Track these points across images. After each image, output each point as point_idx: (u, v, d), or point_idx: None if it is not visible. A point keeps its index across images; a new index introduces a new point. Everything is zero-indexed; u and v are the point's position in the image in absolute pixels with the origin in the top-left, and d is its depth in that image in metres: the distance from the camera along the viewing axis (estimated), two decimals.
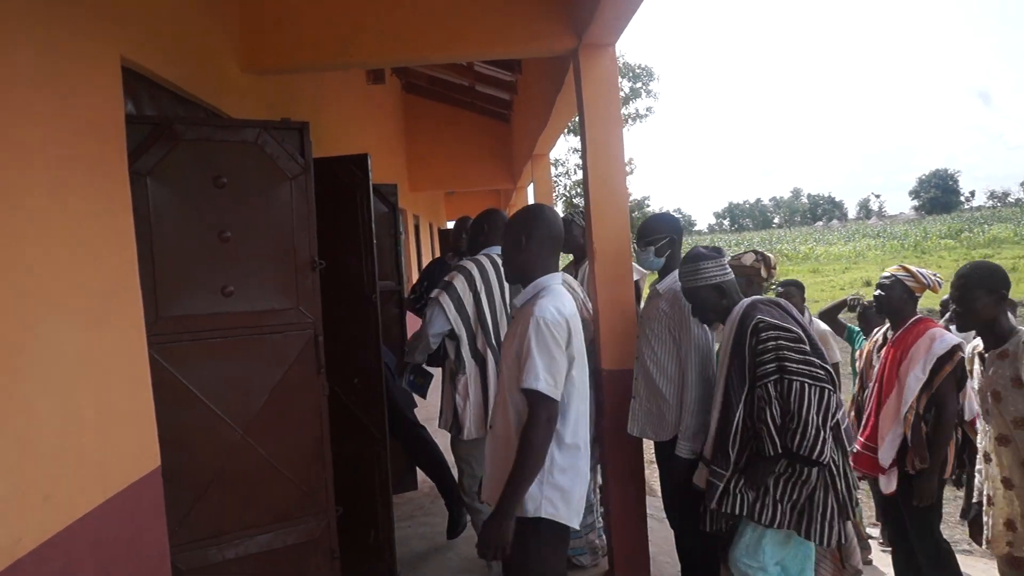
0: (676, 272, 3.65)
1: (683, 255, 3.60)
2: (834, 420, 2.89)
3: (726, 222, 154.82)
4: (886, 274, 3.76)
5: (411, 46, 4.31)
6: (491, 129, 12.50)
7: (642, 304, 3.98)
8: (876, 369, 3.82)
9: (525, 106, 9.15)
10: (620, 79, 33.18)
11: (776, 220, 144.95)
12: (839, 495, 2.95)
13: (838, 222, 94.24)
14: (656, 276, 3.77)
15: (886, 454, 3.63)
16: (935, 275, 3.71)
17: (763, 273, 3.77)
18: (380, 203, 6.00)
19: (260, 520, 3.14)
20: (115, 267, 2.66)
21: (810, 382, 2.85)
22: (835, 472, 2.94)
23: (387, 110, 10.77)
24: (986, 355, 3.01)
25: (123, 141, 2.74)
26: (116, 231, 2.68)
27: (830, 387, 2.88)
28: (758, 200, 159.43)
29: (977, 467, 3.23)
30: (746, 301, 3.14)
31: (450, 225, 10.83)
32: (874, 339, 4.03)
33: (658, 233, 3.69)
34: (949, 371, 3.43)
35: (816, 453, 2.82)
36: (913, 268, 3.70)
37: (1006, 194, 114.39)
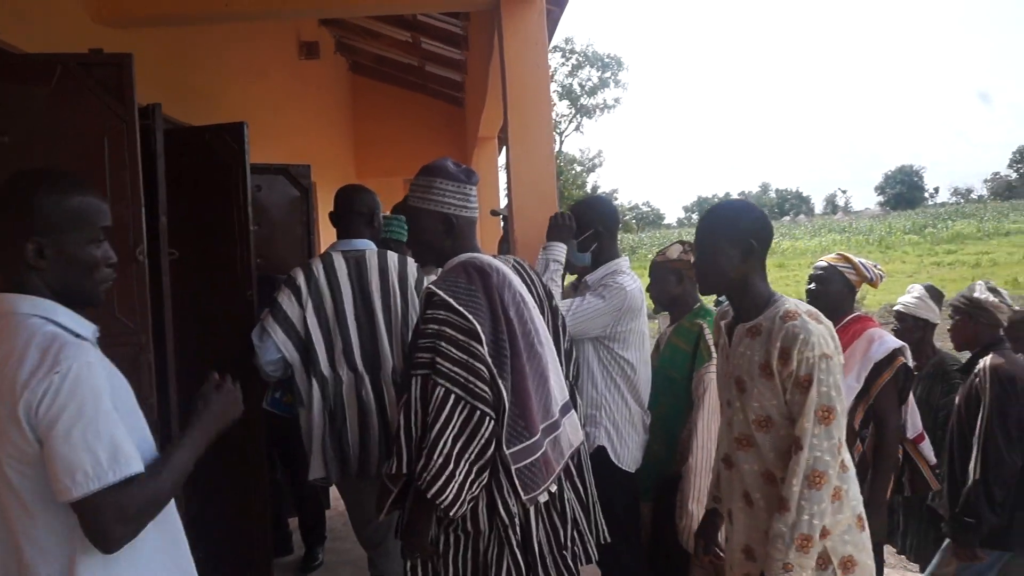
0: (612, 265, 3.05)
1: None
2: (484, 458, 2.06)
3: (695, 216, 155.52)
4: (821, 263, 3.17)
5: None
6: (444, 113, 11.79)
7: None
8: None
9: (472, 85, 8.50)
10: (589, 68, 32.80)
11: None
12: (517, 558, 2.13)
13: (805, 217, 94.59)
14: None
15: None
16: (876, 267, 3.14)
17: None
18: (291, 186, 5.35)
19: None
20: None
21: (460, 393, 2.04)
22: (508, 525, 2.12)
23: (327, 90, 10.05)
24: (735, 329, 2.27)
25: None
26: None
27: (489, 413, 2.06)
28: (727, 194, 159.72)
29: (713, 467, 2.52)
30: (465, 256, 2.30)
31: None
32: None
33: (581, 225, 3.07)
34: (888, 379, 2.89)
35: (435, 492, 1.98)
36: (854, 257, 3.14)
37: (969, 191, 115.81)
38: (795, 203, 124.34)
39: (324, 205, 6.10)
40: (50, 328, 1.52)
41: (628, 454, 2.97)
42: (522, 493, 2.09)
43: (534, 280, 2.45)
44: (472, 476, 2.03)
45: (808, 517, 2.00)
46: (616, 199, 45.35)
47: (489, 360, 2.07)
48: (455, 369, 2.06)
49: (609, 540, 2.49)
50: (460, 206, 2.32)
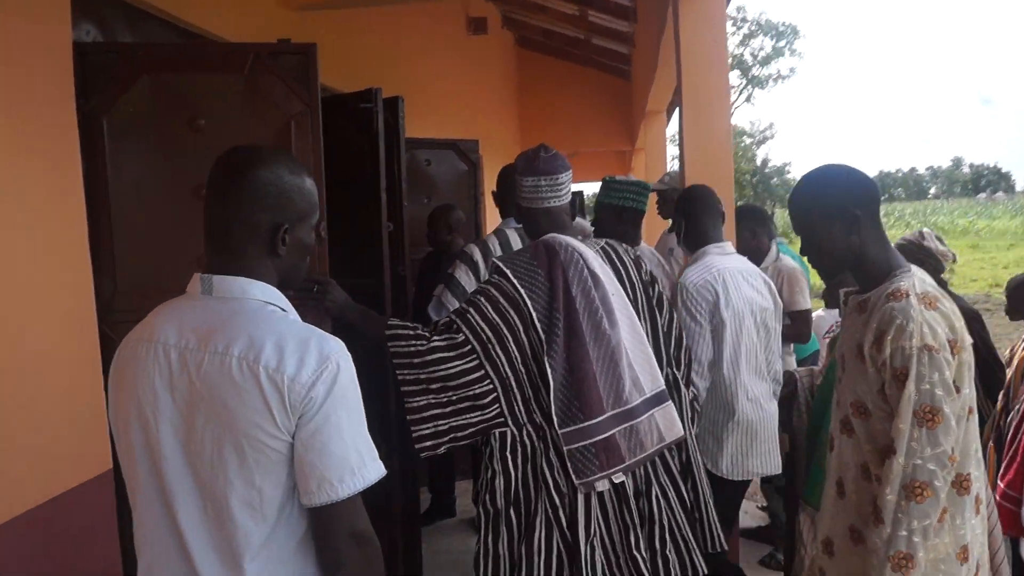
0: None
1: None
2: (469, 418, 2.14)
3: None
4: None
5: None
6: (610, 86, 11.60)
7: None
8: None
9: (641, 59, 8.26)
10: (762, 38, 31.23)
11: (932, 191, 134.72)
12: (568, 541, 2.12)
13: (1004, 194, 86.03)
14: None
15: None
16: None
17: None
18: (460, 161, 5.42)
19: None
20: (58, 229, 2.17)
21: (475, 347, 2.12)
22: (558, 506, 2.13)
23: (494, 64, 10.12)
24: (849, 300, 1.97)
25: (69, 73, 2.23)
26: (60, 185, 2.18)
27: (495, 382, 2.13)
28: (912, 169, 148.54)
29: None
30: (545, 236, 2.29)
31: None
32: None
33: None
34: None
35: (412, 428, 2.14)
36: None
37: None
38: (992, 179, 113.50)
39: (489, 180, 6.17)
40: (294, 318, 1.37)
41: None
42: (574, 477, 2.07)
43: (627, 263, 2.35)
44: (446, 430, 2.12)
45: (906, 533, 1.73)
46: (788, 173, 43.14)
47: (541, 335, 2.11)
48: (482, 325, 2.12)
49: (725, 548, 2.35)
50: (524, 197, 2.34)
